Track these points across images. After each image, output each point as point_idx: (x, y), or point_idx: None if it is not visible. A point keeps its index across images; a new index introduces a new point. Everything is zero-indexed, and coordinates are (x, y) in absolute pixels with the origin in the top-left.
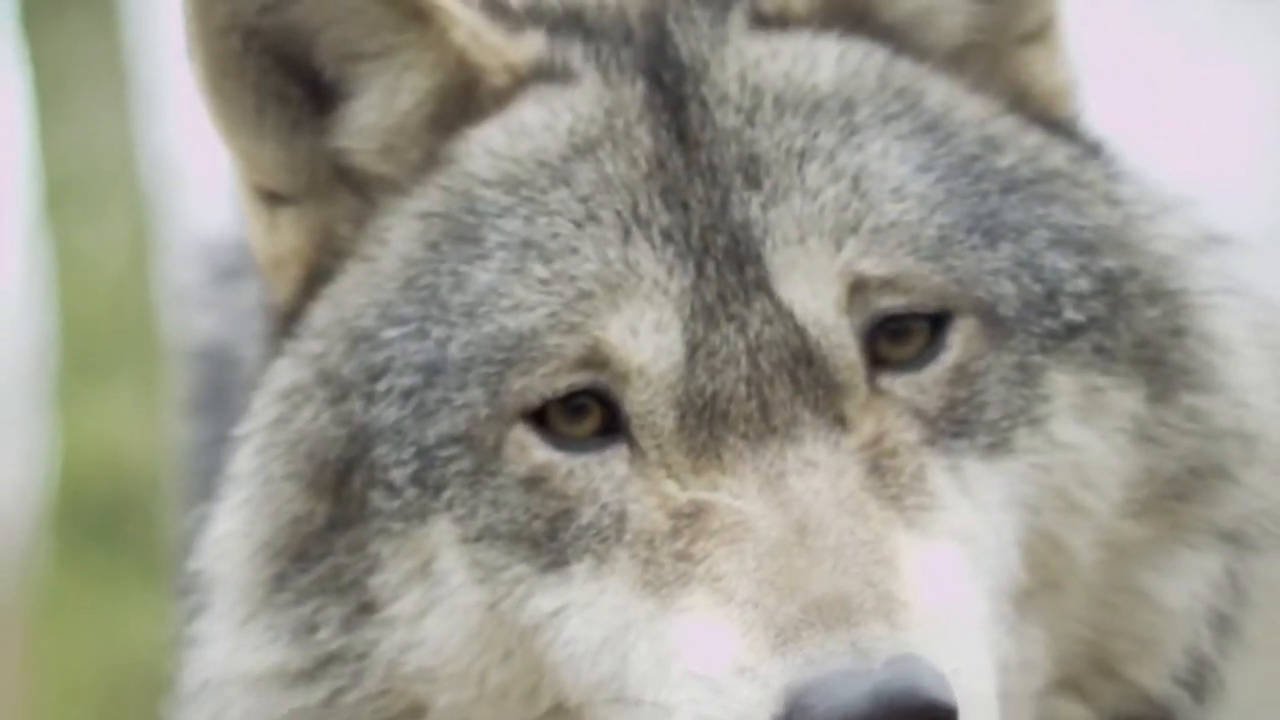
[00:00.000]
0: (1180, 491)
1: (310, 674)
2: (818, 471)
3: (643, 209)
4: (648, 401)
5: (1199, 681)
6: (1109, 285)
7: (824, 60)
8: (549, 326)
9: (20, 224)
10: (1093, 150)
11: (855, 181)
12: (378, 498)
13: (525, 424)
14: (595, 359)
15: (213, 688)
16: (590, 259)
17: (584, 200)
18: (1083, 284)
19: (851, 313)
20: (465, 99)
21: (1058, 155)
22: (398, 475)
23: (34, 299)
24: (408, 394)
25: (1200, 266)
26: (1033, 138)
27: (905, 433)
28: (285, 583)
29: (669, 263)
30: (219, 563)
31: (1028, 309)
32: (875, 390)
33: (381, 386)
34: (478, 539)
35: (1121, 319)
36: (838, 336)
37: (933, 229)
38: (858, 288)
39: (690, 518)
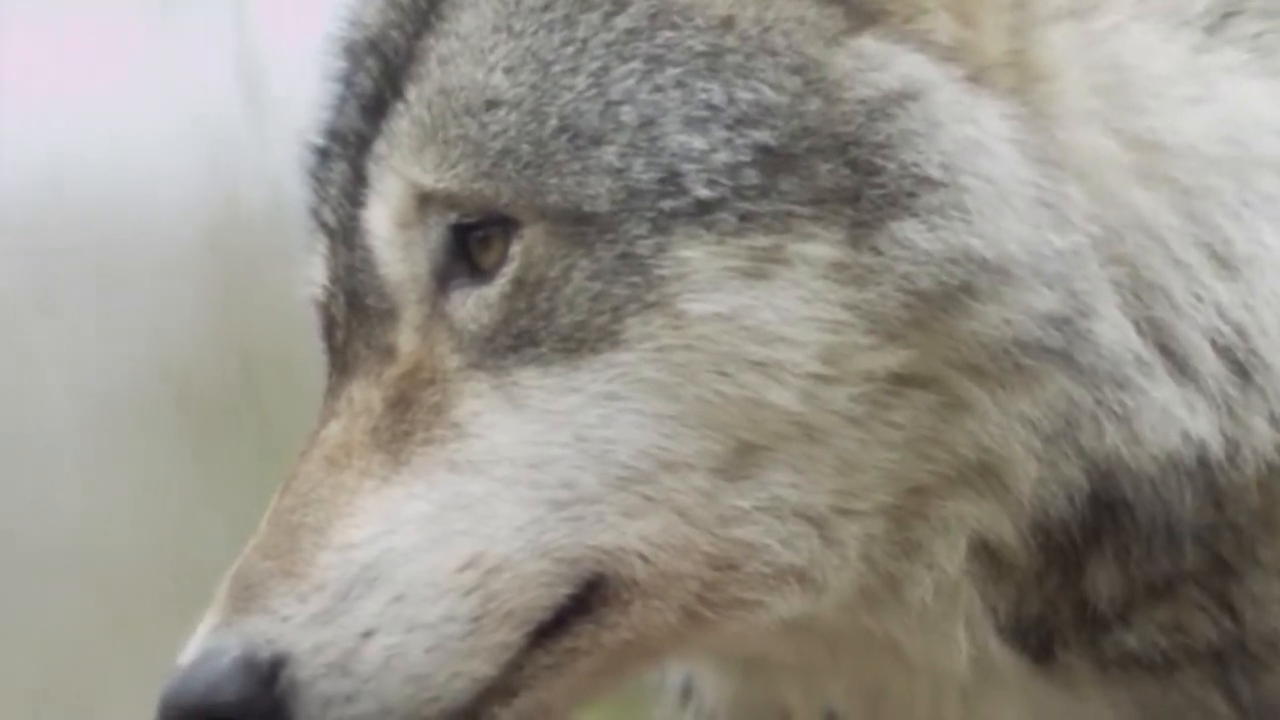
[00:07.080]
0: (934, 312)
1: None
2: (348, 413)
3: (348, 117)
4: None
5: (1119, 505)
6: (761, 155)
7: None
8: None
9: None
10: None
11: (451, 93)
12: None
13: None
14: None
15: None
16: (316, 179)
17: (337, 104)
18: (720, 158)
19: (424, 226)
20: None
21: (746, 20)
22: None
23: None
24: None
25: (910, 108)
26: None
27: (447, 359)
28: None
29: (336, 183)
30: None
31: (634, 198)
32: (437, 314)
33: None
34: None
35: (791, 179)
36: (391, 253)
37: (505, 141)
38: (425, 203)
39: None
